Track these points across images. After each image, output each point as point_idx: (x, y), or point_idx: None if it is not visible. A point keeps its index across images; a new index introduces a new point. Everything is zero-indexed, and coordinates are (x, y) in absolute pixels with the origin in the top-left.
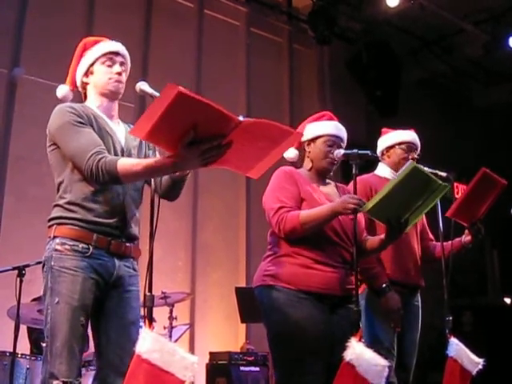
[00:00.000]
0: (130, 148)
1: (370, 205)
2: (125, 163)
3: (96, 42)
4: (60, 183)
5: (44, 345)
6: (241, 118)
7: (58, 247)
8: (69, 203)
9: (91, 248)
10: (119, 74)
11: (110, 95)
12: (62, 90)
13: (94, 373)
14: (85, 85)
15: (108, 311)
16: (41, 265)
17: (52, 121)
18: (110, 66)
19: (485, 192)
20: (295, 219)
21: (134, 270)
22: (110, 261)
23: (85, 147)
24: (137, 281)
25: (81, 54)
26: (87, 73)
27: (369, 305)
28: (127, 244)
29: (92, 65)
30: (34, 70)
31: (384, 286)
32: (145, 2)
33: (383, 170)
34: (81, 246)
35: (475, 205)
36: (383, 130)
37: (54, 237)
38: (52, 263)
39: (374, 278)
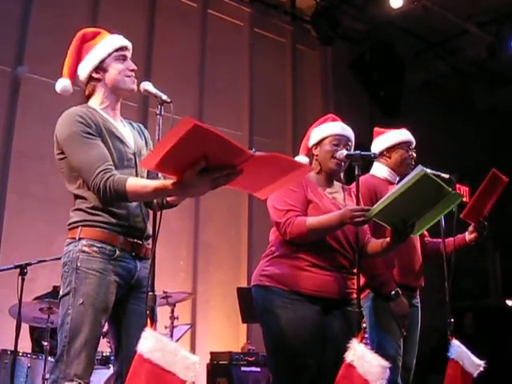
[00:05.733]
0: (140, 149)
1: (375, 211)
2: (134, 184)
3: (96, 35)
4: (77, 191)
5: (60, 345)
6: (253, 151)
7: (86, 249)
8: (92, 208)
9: (117, 251)
10: (134, 71)
11: (125, 93)
12: (63, 84)
13: (105, 371)
14: (95, 81)
15: (128, 311)
16: (42, 264)
17: (60, 128)
18: (122, 62)
19: (491, 191)
20: (302, 225)
21: None
22: (132, 263)
23: (92, 162)
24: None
25: (79, 45)
26: (98, 68)
27: (374, 311)
28: (147, 246)
29: (104, 60)
30: (38, 68)
31: (393, 292)
32: (149, 2)
33: (381, 170)
34: (108, 248)
35: (482, 204)
36: (376, 129)
37: (80, 238)
38: (78, 264)
39: (383, 285)
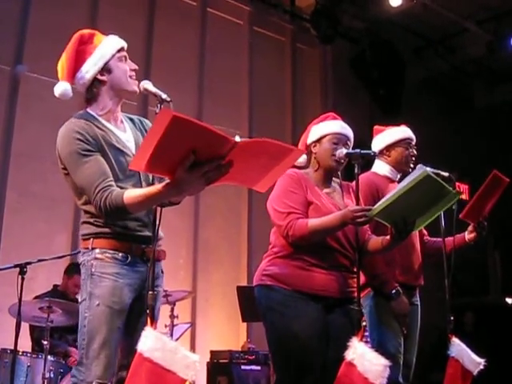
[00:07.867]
0: None
1: (376, 211)
2: (130, 197)
3: (92, 36)
4: (84, 207)
5: (80, 349)
6: (237, 139)
7: (99, 256)
8: (100, 222)
9: (129, 257)
10: (135, 70)
11: (127, 95)
12: (64, 87)
13: None
14: (100, 83)
15: (136, 309)
16: (42, 263)
17: (60, 145)
18: (125, 63)
19: (492, 192)
20: (304, 227)
21: (162, 271)
22: (144, 266)
23: (91, 181)
24: (161, 282)
25: (78, 47)
26: (103, 70)
27: (375, 310)
28: (157, 249)
29: (108, 61)
30: (37, 67)
31: (394, 291)
32: (148, 0)
33: (382, 168)
34: (120, 254)
35: (483, 204)
36: (376, 127)
37: (93, 248)
38: (92, 270)
39: (384, 284)
